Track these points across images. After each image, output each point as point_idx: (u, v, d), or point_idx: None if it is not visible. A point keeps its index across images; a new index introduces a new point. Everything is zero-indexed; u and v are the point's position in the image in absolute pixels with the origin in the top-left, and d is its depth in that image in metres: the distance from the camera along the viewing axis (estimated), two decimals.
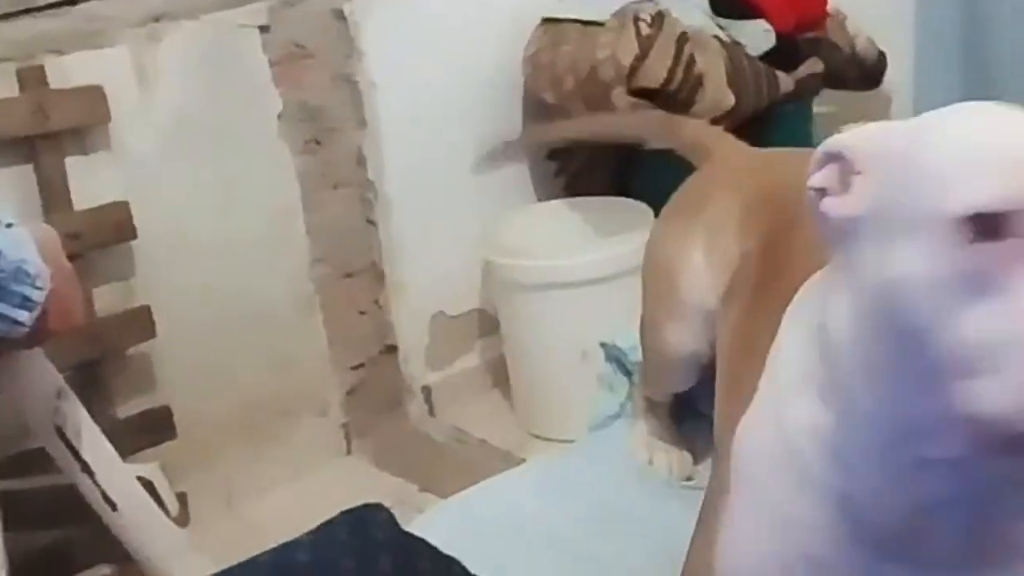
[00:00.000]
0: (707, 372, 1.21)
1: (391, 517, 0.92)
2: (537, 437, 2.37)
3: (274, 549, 0.88)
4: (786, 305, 0.88)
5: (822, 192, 0.74)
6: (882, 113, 2.79)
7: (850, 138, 0.74)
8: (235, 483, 2.28)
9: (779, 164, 1.29)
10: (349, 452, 2.47)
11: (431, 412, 2.58)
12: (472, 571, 0.91)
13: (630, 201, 2.43)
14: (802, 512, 0.78)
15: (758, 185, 1.19)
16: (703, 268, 1.16)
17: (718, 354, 1.12)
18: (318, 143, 2.32)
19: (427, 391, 2.57)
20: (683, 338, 1.19)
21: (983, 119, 0.67)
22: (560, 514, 1.18)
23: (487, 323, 2.60)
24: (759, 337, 0.93)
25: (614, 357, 1.44)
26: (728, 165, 1.30)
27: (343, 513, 0.93)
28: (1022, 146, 0.63)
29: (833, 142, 0.75)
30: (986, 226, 0.61)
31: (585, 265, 2.26)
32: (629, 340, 1.39)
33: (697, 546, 0.90)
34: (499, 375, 2.58)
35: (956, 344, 0.61)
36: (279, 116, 2.25)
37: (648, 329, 1.25)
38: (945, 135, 0.67)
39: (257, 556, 0.87)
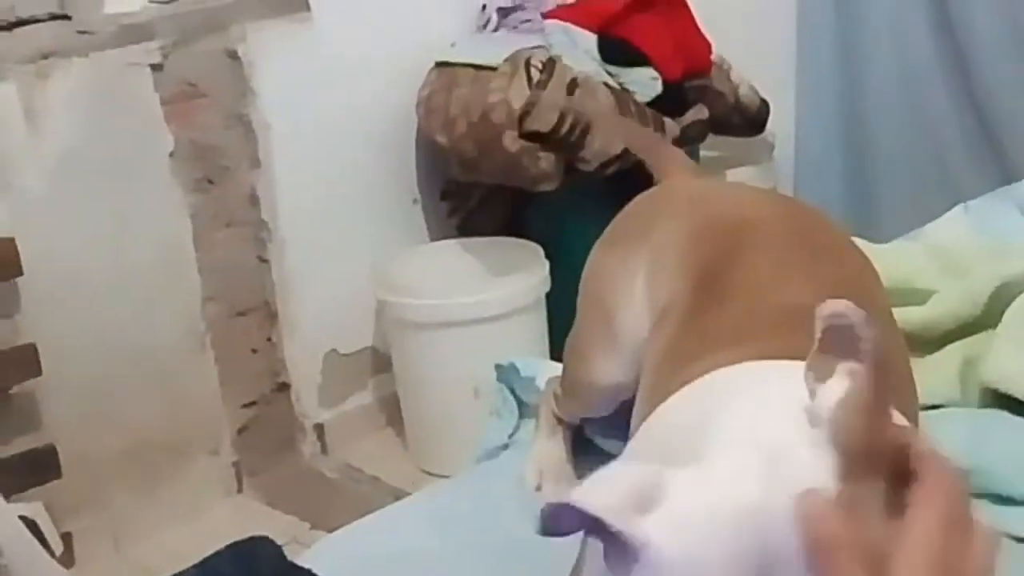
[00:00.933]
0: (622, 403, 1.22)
1: (277, 549, 0.93)
2: (430, 474, 2.39)
3: None
4: (716, 337, 0.90)
5: None
6: (765, 158, 2.90)
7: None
8: (122, 523, 2.25)
9: (726, 194, 1.30)
10: (240, 491, 2.46)
11: (324, 450, 2.58)
12: None
13: (521, 241, 2.49)
14: None
15: (703, 215, 1.16)
16: (640, 300, 1.12)
17: (641, 381, 1.12)
18: (211, 182, 2.33)
19: (319, 429, 2.58)
20: (612, 368, 1.16)
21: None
22: (445, 545, 1.19)
23: (380, 361, 2.62)
24: (683, 366, 0.94)
25: (507, 381, 1.46)
26: (676, 192, 1.29)
27: (229, 546, 0.94)
28: None
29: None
30: None
31: (476, 304, 2.29)
32: (527, 368, 1.41)
33: None
34: (392, 413, 2.60)
35: None
36: (171, 154, 2.25)
37: (576, 354, 1.23)
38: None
39: None
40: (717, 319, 0.98)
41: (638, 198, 1.28)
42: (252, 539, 0.95)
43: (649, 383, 1.04)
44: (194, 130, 2.29)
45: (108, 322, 2.21)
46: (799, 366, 0.65)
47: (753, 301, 0.84)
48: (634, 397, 1.10)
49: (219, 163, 2.34)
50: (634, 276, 1.13)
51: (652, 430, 0.88)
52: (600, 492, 0.63)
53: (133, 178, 2.22)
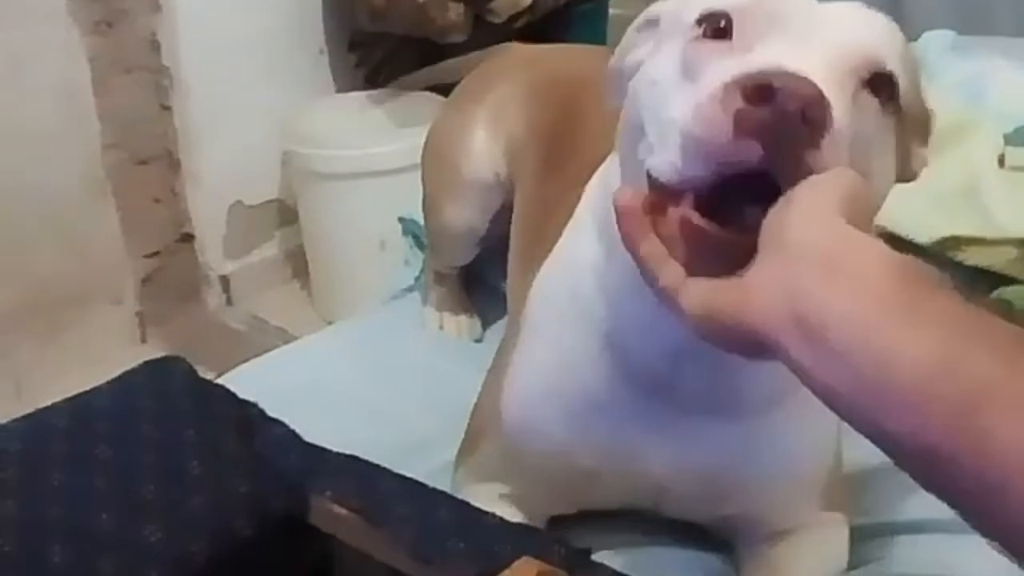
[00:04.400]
0: (490, 244, 1.29)
1: (189, 367, 0.95)
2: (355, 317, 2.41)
3: (75, 396, 0.90)
4: (576, 182, 0.94)
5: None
6: None
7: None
8: (25, 371, 2.24)
9: (563, 54, 1.36)
10: (144, 340, 2.46)
11: (229, 301, 2.58)
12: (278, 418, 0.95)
13: (428, 93, 2.47)
14: (581, 349, 0.85)
15: (543, 71, 1.26)
16: (484, 146, 1.23)
17: (512, 227, 1.19)
18: (109, 25, 2.26)
19: (225, 280, 2.57)
20: (463, 214, 1.26)
21: None
22: (356, 374, 1.23)
23: (286, 213, 2.61)
24: (551, 211, 1.00)
25: (411, 231, 1.49)
26: (508, 58, 1.36)
27: (143, 363, 0.95)
28: None
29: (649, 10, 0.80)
30: (713, 29, 0.68)
31: (383, 155, 2.28)
32: None
33: (487, 388, 0.97)
34: (298, 265, 2.60)
35: (663, 126, 0.66)
36: None
37: (430, 207, 1.31)
38: None
39: (58, 402, 0.89)
40: (564, 176, 1.04)
41: (478, 67, 1.36)
42: (167, 358, 0.97)
43: (519, 231, 1.15)
44: None
45: (4, 170, 2.15)
46: None
47: (596, 153, 0.90)
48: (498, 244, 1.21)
49: (118, 5, 2.26)
50: (473, 130, 1.25)
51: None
52: None
53: (27, 19, 2.13)
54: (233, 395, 0.92)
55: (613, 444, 0.86)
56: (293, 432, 0.90)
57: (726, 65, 0.64)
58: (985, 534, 0.50)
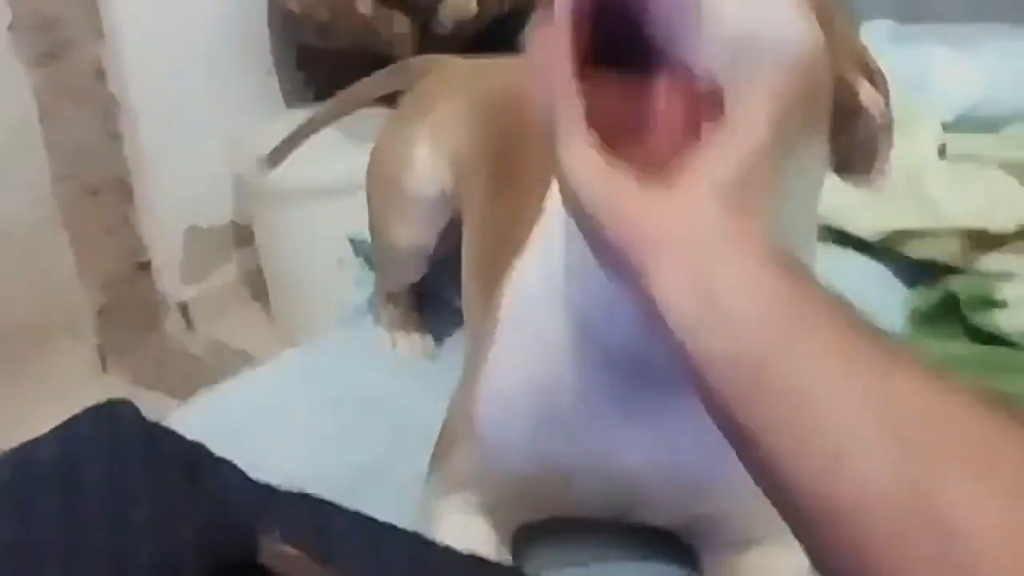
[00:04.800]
0: (440, 261, 1.29)
1: (135, 410, 0.93)
2: (307, 341, 2.40)
3: (17, 447, 0.89)
4: (530, 193, 0.94)
5: None
6: None
7: None
8: None
9: (501, 69, 1.35)
10: (106, 371, 2.44)
11: (189, 327, 2.57)
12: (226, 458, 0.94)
13: (382, 108, 2.45)
14: (558, 337, 0.84)
15: (483, 88, 1.25)
16: (428, 163, 1.22)
17: (463, 243, 1.19)
18: (53, 56, 2.24)
19: (184, 306, 2.56)
20: (410, 232, 1.25)
21: None
22: (306, 402, 1.22)
23: (242, 235, 2.60)
24: (503, 224, 1.00)
25: (361, 252, 1.49)
26: (450, 74, 1.36)
27: (87, 409, 0.94)
28: None
29: None
30: None
31: (337, 173, 2.27)
32: None
33: (459, 394, 0.96)
34: (257, 286, 2.59)
35: None
36: (9, 27, 2.16)
37: (376, 226, 1.30)
38: None
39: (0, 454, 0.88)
40: (518, 189, 1.04)
41: (417, 85, 1.35)
42: (111, 401, 0.95)
43: (473, 245, 1.15)
44: (32, 1, 2.19)
45: None
46: None
47: (545, 172, 0.89)
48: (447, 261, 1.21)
49: (61, 35, 2.25)
50: (415, 147, 1.24)
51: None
52: None
53: None
54: (180, 436, 0.91)
55: (589, 436, 0.85)
56: (241, 471, 0.90)
57: None
58: None
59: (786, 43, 0.60)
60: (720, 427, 0.55)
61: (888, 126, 0.76)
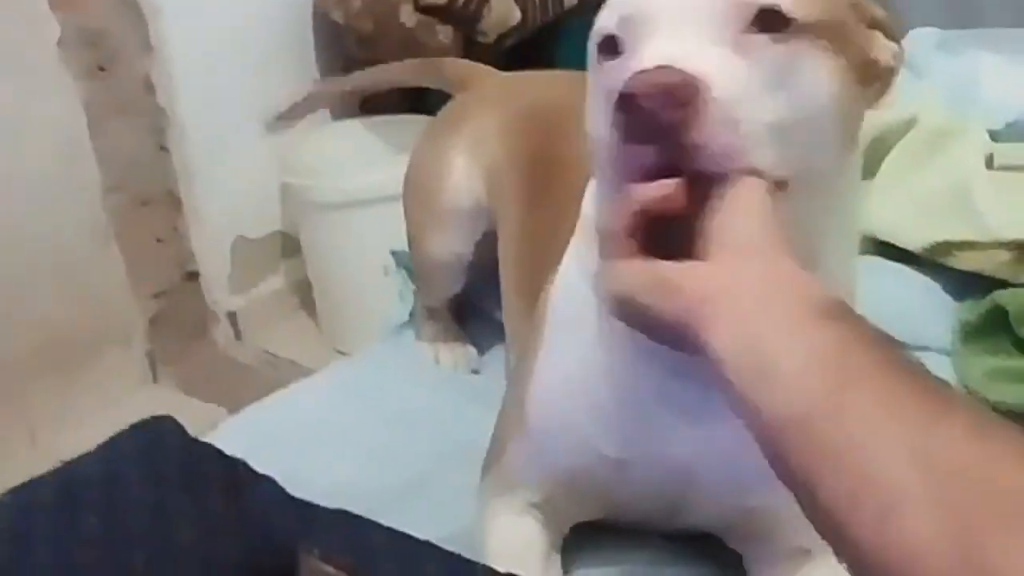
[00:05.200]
0: (479, 272, 1.29)
1: (178, 426, 0.94)
2: (344, 354, 2.41)
3: (61, 466, 0.90)
4: (566, 206, 0.95)
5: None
6: None
7: None
8: (39, 418, 2.25)
9: (540, 82, 1.36)
10: (156, 380, 2.47)
11: (237, 336, 2.58)
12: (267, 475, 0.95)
13: (424, 117, 2.46)
14: (602, 340, 0.85)
15: (517, 103, 1.27)
16: (464, 175, 1.23)
17: (500, 255, 1.20)
18: (102, 69, 2.27)
19: (232, 316, 2.57)
20: (447, 244, 1.27)
21: None
22: (351, 416, 1.23)
23: (289, 245, 2.61)
24: (541, 235, 1.01)
25: (404, 264, 1.49)
26: (485, 89, 1.37)
27: (131, 426, 0.95)
28: None
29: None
30: (608, 50, 0.74)
31: (381, 183, 2.27)
32: None
33: (509, 395, 0.98)
34: (304, 296, 2.61)
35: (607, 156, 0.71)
36: (58, 42, 2.19)
37: (414, 239, 1.31)
38: None
39: (44, 474, 0.89)
40: (552, 202, 1.07)
41: (452, 100, 1.37)
42: (154, 418, 0.97)
43: (510, 258, 1.18)
44: (81, 15, 2.22)
45: (7, 219, 2.16)
46: None
47: (582, 178, 0.91)
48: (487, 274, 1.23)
49: (110, 49, 2.28)
50: (451, 160, 1.25)
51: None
52: None
53: (20, 69, 2.15)
54: (221, 453, 0.92)
55: (639, 430, 0.86)
56: (281, 489, 0.91)
57: (616, 80, 0.68)
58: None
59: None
60: (778, 474, 0.57)
61: (899, 61, 0.81)
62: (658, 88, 0.64)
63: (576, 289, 0.90)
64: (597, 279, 0.76)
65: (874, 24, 0.79)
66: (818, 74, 0.71)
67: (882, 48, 0.79)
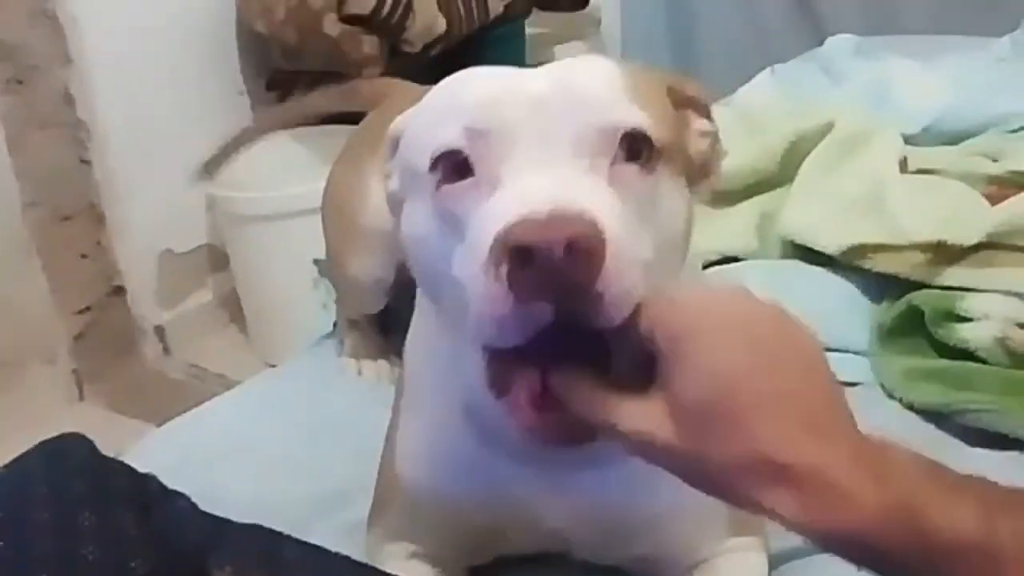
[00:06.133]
0: (403, 289, 1.27)
1: (88, 443, 0.92)
2: (275, 367, 2.39)
3: None
4: None
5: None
6: (592, 31, 2.92)
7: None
8: None
9: None
10: (82, 398, 2.42)
11: (166, 351, 2.55)
12: (179, 490, 0.93)
13: (350, 127, 2.45)
14: (449, 418, 0.84)
15: None
16: (380, 197, 1.21)
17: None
18: (19, 82, 2.23)
19: (160, 330, 2.54)
20: (367, 265, 1.24)
21: (457, 79, 0.72)
22: (271, 431, 1.21)
23: (217, 258, 2.58)
24: None
25: (326, 275, 1.48)
26: (400, 104, 1.35)
27: (38, 445, 0.93)
28: (476, 92, 0.67)
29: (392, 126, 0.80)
30: (453, 169, 0.66)
31: (308, 194, 2.22)
32: None
33: (386, 448, 0.96)
34: (233, 309, 2.58)
35: (452, 285, 0.64)
36: None
37: (334, 259, 1.29)
38: (425, 103, 0.74)
39: None
40: None
41: (366, 118, 1.35)
42: (63, 435, 0.95)
43: None
44: None
45: None
46: None
47: None
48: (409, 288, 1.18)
49: (27, 62, 2.24)
50: (367, 181, 1.21)
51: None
52: None
53: None
54: (131, 470, 0.91)
55: (501, 501, 0.85)
56: (193, 504, 0.89)
57: (482, 213, 0.62)
58: None
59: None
60: None
61: (717, 141, 0.78)
62: (560, 240, 0.57)
63: (423, 370, 0.89)
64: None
65: (687, 103, 0.76)
66: (676, 202, 0.69)
67: (696, 138, 0.76)
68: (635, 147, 0.66)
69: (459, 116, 0.66)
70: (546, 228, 0.57)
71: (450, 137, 0.66)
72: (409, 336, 0.93)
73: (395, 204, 0.77)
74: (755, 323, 0.59)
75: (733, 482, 0.57)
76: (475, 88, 0.68)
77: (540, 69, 0.70)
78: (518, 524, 0.87)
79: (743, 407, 0.56)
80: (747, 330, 0.58)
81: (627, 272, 0.60)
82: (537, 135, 0.64)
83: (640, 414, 0.60)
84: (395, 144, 0.78)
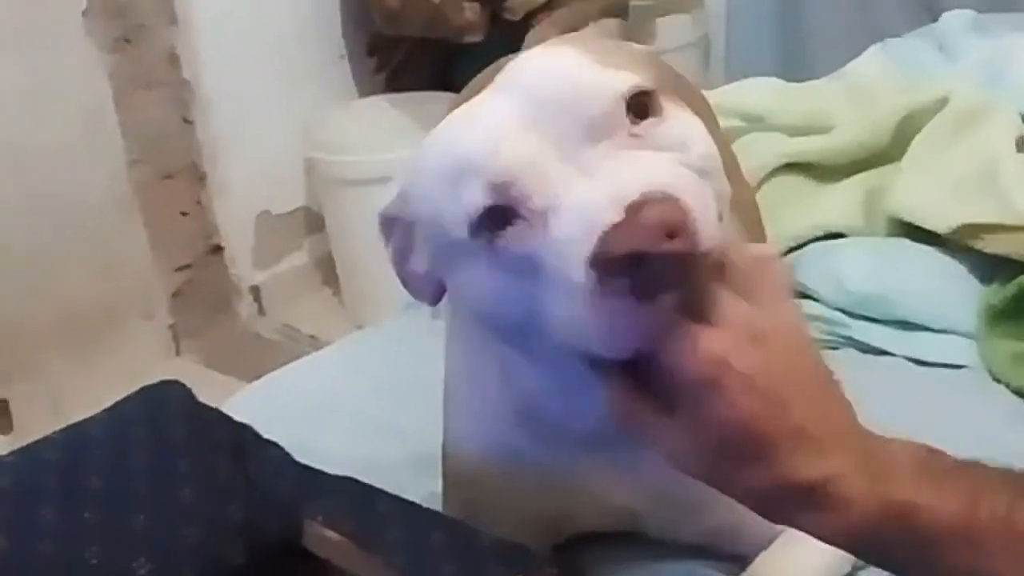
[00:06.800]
0: None
1: (187, 391, 0.94)
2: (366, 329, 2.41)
3: (68, 426, 0.90)
4: None
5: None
6: (696, 5, 2.87)
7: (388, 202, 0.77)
8: (61, 389, 2.25)
9: None
10: (178, 354, 2.47)
11: (260, 311, 2.59)
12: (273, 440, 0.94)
13: (450, 95, 2.45)
14: (498, 409, 0.84)
15: None
16: None
17: None
18: (128, 41, 2.27)
19: (255, 290, 2.58)
20: None
21: (434, 142, 0.70)
22: (363, 390, 1.21)
23: (313, 220, 2.61)
24: None
25: None
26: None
27: (139, 390, 0.94)
28: (471, 148, 0.65)
29: (383, 209, 0.77)
30: (494, 223, 0.63)
31: (404, 159, 2.27)
32: None
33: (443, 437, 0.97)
34: (328, 272, 2.60)
35: (546, 320, 0.64)
36: (84, 13, 2.19)
37: None
38: (412, 181, 0.72)
39: (51, 435, 0.89)
40: None
41: (470, 83, 1.33)
42: (162, 382, 0.96)
43: None
44: None
45: (32, 191, 2.17)
46: None
47: None
48: None
49: (135, 21, 2.27)
50: None
51: None
52: None
53: (46, 41, 2.15)
54: (228, 418, 0.92)
55: (564, 492, 0.85)
56: (287, 454, 0.90)
57: (556, 244, 0.61)
58: None
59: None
60: None
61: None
62: (657, 231, 0.57)
63: (471, 369, 0.88)
64: None
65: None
66: (692, 126, 0.68)
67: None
68: (638, 103, 0.65)
69: (471, 176, 0.64)
70: (635, 227, 0.58)
71: (478, 198, 0.63)
72: (446, 345, 0.94)
73: (428, 283, 0.75)
74: (769, 373, 0.61)
75: (756, 507, 0.63)
76: (467, 143, 0.65)
77: (496, 89, 0.68)
78: (585, 509, 0.87)
79: (762, 447, 0.60)
80: (763, 379, 0.60)
81: (707, 213, 0.60)
82: (555, 150, 0.63)
83: (669, 435, 0.63)
84: (389, 228, 0.76)
